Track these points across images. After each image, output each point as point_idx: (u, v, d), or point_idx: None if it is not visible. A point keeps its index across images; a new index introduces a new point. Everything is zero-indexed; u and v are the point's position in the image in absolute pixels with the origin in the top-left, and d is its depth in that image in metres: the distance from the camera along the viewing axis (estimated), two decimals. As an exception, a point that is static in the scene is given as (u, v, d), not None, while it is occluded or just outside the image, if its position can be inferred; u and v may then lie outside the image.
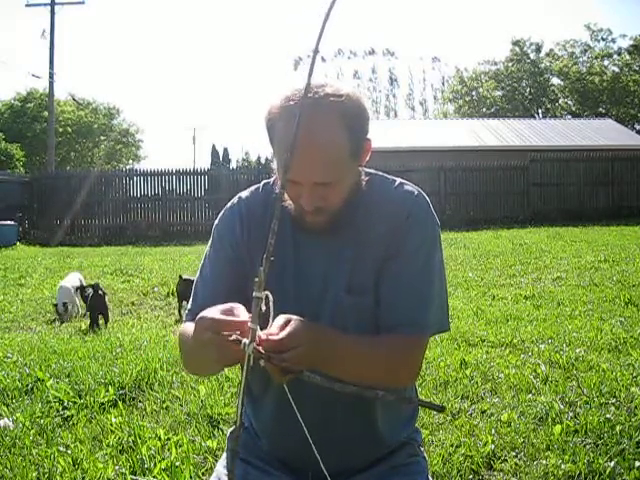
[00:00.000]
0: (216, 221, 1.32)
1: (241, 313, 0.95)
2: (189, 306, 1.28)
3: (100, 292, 5.63)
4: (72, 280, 6.45)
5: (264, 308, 0.85)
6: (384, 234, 1.20)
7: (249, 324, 0.85)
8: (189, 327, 1.11)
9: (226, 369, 2.93)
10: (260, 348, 0.87)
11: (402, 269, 1.18)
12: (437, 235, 1.23)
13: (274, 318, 0.93)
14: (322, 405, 1.18)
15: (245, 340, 0.86)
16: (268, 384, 1.22)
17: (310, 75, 0.82)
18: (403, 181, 1.27)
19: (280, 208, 0.82)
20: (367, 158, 1.20)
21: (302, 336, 0.95)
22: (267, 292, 0.84)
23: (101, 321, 5.55)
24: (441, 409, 0.85)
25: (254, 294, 0.82)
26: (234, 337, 0.89)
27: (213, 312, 0.95)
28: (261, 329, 0.91)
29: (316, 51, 0.78)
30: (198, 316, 0.97)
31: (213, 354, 0.93)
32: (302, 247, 1.23)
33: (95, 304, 5.59)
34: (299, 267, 1.23)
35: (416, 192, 1.24)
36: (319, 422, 1.11)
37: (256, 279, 0.82)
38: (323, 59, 48.99)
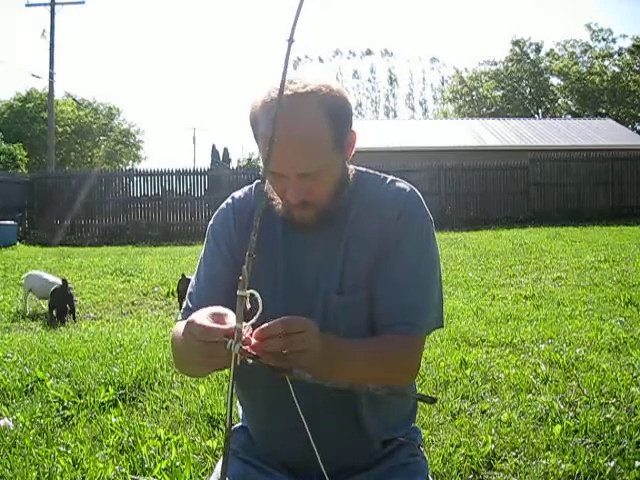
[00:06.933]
0: (211, 221, 1.31)
1: (230, 318, 0.92)
2: (184, 305, 1.26)
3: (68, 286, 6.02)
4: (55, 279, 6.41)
5: (249, 306, 0.82)
6: (377, 232, 1.18)
7: (234, 324, 0.83)
8: (181, 327, 1.10)
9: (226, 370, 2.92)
10: (247, 348, 0.84)
11: (397, 267, 1.17)
12: (431, 231, 1.22)
13: (263, 315, 0.88)
14: (305, 403, 1.17)
15: (231, 340, 0.83)
16: (256, 383, 1.21)
17: (286, 65, 0.80)
18: (395, 178, 1.25)
19: (265, 204, 0.81)
20: (353, 152, 1.18)
21: (305, 322, 0.93)
22: (252, 290, 0.81)
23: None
24: (432, 401, 0.84)
25: (238, 292, 0.80)
26: (218, 339, 0.86)
27: (202, 317, 0.92)
28: (253, 327, 0.88)
29: (291, 40, 0.77)
30: (187, 319, 0.94)
31: (199, 359, 0.91)
32: (293, 247, 1.22)
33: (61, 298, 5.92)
34: (290, 268, 1.21)
35: (408, 189, 1.23)
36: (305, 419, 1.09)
37: (240, 277, 0.80)
38: (321, 59, 48.94)
